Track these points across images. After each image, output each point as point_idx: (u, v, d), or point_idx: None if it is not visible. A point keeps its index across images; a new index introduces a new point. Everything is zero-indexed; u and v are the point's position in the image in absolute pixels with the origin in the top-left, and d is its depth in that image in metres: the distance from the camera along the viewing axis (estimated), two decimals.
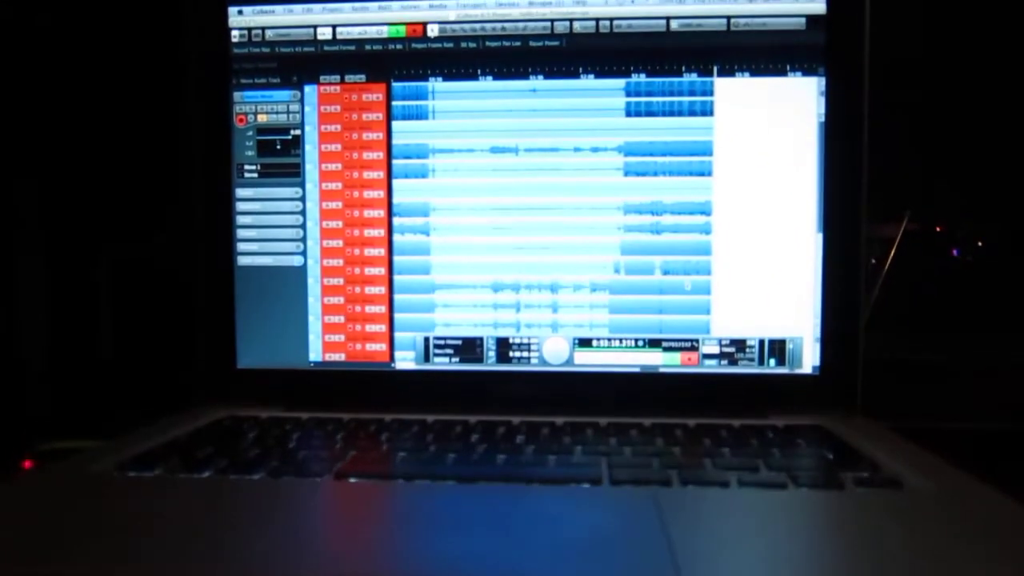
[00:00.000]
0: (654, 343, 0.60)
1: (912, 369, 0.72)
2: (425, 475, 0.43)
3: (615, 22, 0.59)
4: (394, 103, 0.60)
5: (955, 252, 0.79)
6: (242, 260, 0.62)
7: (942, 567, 0.31)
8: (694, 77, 0.58)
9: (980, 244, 0.78)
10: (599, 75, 0.59)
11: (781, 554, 0.33)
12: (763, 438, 0.51)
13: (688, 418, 0.56)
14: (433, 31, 0.60)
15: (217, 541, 0.34)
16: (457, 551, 0.33)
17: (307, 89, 0.61)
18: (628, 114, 0.59)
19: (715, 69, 0.59)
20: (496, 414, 0.57)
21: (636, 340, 0.60)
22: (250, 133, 0.61)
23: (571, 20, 0.59)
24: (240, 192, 0.61)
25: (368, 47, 0.60)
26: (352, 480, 0.43)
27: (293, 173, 0.61)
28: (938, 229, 0.79)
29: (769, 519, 0.37)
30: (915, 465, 0.44)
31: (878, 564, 0.31)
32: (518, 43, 0.59)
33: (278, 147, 0.61)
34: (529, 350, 0.61)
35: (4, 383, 0.66)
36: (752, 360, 0.59)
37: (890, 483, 0.42)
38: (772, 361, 0.59)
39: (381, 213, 0.61)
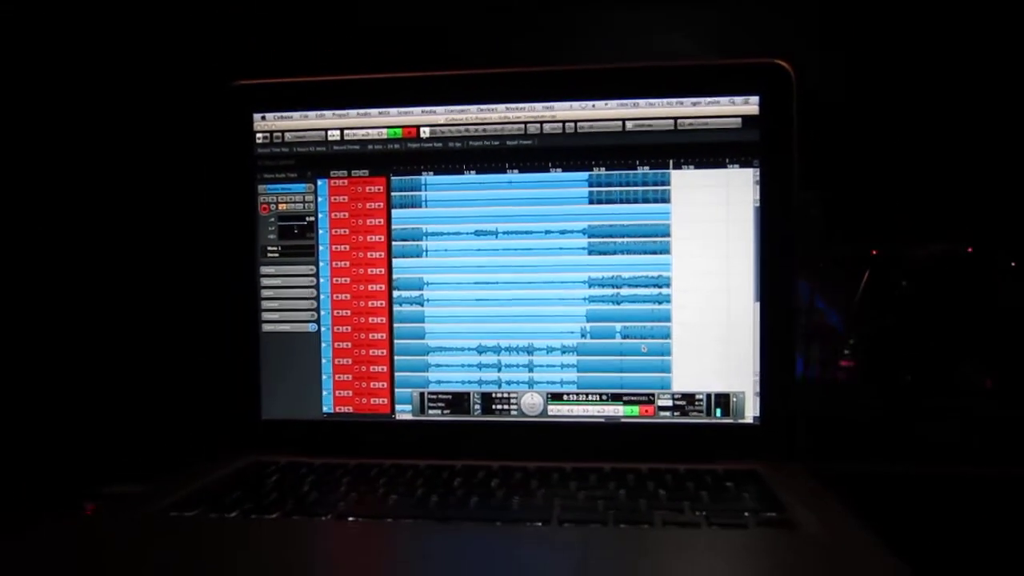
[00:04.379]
0: (616, 397, 0.70)
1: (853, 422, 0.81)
2: (409, 516, 0.54)
3: (579, 124, 0.69)
4: (393, 194, 0.71)
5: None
6: (266, 327, 0.73)
7: None
8: (647, 170, 0.69)
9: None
10: (566, 169, 0.69)
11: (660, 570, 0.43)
12: (700, 482, 0.61)
13: (643, 463, 0.65)
14: (425, 133, 0.71)
15: (239, 565, 0.44)
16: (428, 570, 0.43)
17: (320, 182, 0.72)
18: (591, 202, 0.69)
19: (671, 162, 0.69)
20: (480, 459, 0.67)
21: (601, 394, 0.70)
22: (272, 220, 0.72)
23: (541, 123, 0.69)
24: (264, 270, 0.73)
25: (370, 147, 0.71)
26: (350, 519, 0.54)
27: (308, 253, 0.72)
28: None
29: (672, 550, 0.47)
30: (817, 511, 0.53)
31: None
32: (497, 142, 0.70)
33: (296, 231, 0.72)
34: (509, 403, 0.71)
35: (73, 433, 0.78)
36: (701, 411, 0.69)
37: (786, 525, 0.51)
38: (718, 412, 0.69)
39: (382, 287, 0.71)
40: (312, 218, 0.72)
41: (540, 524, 0.52)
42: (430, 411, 0.71)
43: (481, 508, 0.55)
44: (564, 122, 0.69)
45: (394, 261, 0.71)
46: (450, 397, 0.71)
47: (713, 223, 0.68)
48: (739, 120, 0.68)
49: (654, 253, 0.69)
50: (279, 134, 0.72)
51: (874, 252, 0.90)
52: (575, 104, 0.69)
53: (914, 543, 0.50)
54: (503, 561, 0.46)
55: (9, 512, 0.66)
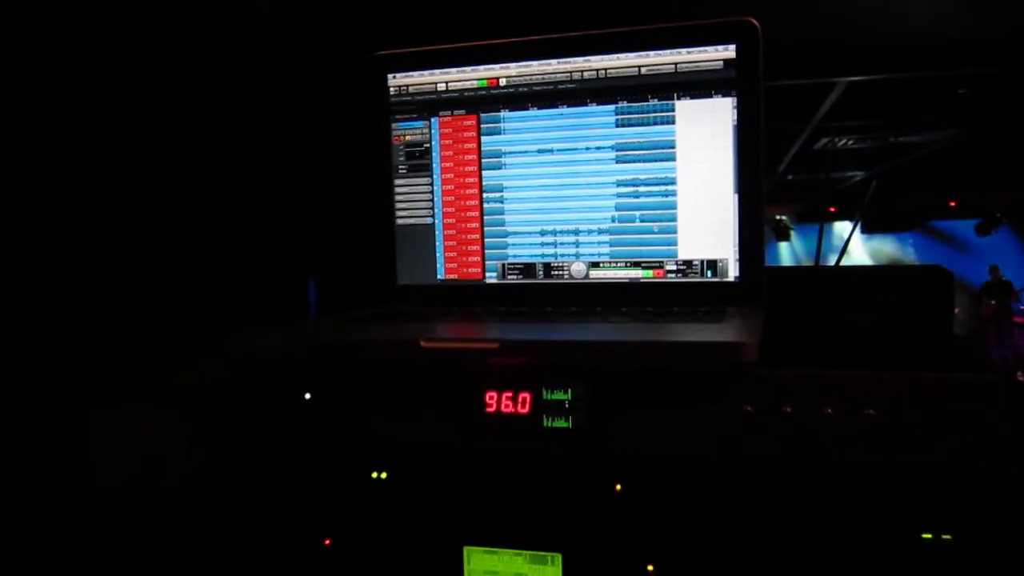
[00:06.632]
0: (637, 264, 0.99)
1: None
2: (487, 322, 0.86)
3: (608, 71, 0.98)
4: (482, 126, 1.03)
5: None
6: (399, 221, 1.06)
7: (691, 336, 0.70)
8: (656, 101, 0.97)
9: None
10: (599, 103, 0.98)
11: (617, 333, 0.73)
12: (682, 313, 0.90)
13: (652, 307, 0.95)
14: (502, 82, 1.02)
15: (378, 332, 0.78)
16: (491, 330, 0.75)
17: (432, 120, 1.04)
18: (617, 126, 0.98)
19: (674, 95, 0.97)
20: (542, 306, 0.98)
21: (626, 262, 0.99)
22: (401, 147, 1.06)
23: (582, 71, 0.99)
24: (396, 182, 1.06)
25: (466, 93, 1.03)
26: (447, 322, 0.87)
27: (426, 170, 1.05)
28: None
29: (630, 325, 0.77)
30: (741, 325, 0.81)
31: (660, 335, 0.71)
32: (551, 86, 1.00)
33: (417, 155, 1.05)
34: (563, 270, 1.01)
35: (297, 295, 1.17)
36: (697, 273, 0.97)
37: (714, 320, 0.79)
38: (709, 273, 0.97)
39: (475, 191, 1.03)
40: (427, 145, 1.05)
41: (561, 320, 0.83)
42: (509, 276, 1.03)
43: (533, 319, 0.87)
44: (597, 70, 0.98)
45: (483, 173, 1.03)
46: (522, 266, 1.03)
47: (704, 138, 0.96)
48: (721, 63, 0.95)
49: (663, 161, 0.97)
50: (405, 87, 1.05)
51: None
52: (604, 57, 0.98)
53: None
54: (535, 326, 0.78)
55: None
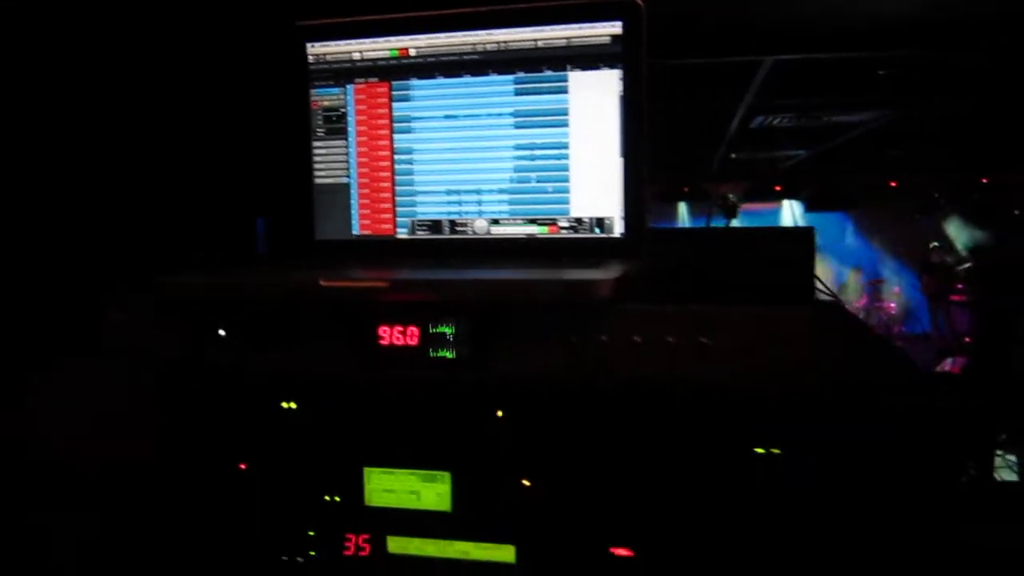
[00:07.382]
0: (533, 221, 1.08)
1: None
2: (388, 268, 0.95)
3: (508, 43, 1.07)
4: (393, 93, 1.11)
5: None
6: (318, 180, 1.15)
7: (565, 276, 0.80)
8: (551, 72, 1.06)
9: None
10: (500, 73, 1.07)
11: (496, 275, 0.83)
12: (573, 259, 0.99)
13: (546, 259, 1.05)
14: (412, 52, 1.10)
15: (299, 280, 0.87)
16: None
17: (348, 87, 1.12)
18: (516, 94, 1.07)
19: (567, 67, 1.06)
20: (448, 259, 1.07)
21: (524, 219, 1.09)
22: (319, 112, 1.14)
23: (484, 44, 1.08)
24: (316, 144, 1.14)
25: (379, 62, 1.11)
26: (352, 268, 0.95)
27: (342, 133, 1.13)
28: None
29: (509, 272, 0.87)
30: (613, 268, 0.91)
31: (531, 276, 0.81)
32: (456, 57, 1.09)
33: (334, 119, 1.13)
34: (467, 227, 1.11)
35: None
36: (587, 230, 1.07)
37: (590, 268, 0.89)
38: (598, 230, 1.07)
39: (388, 153, 1.12)
40: (344, 110, 1.13)
41: (456, 268, 0.92)
42: (418, 232, 1.12)
43: (433, 268, 0.96)
44: (498, 42, 1.07)
45: (395, 136, 1.12)
46: (430, 223, 1.12)
47: (594, 106, 1.05)
48: (609, 38, 1.04)
49: (557, 127, 1.07)
50: (322, 56, 1.13)
51: (984, 180, 1.20)
52: (505, 30, 1.07)
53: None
54: (428, 271, 0.87)
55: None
